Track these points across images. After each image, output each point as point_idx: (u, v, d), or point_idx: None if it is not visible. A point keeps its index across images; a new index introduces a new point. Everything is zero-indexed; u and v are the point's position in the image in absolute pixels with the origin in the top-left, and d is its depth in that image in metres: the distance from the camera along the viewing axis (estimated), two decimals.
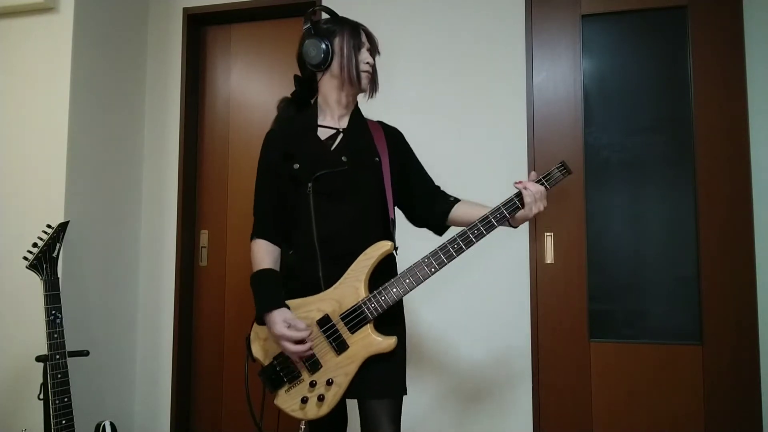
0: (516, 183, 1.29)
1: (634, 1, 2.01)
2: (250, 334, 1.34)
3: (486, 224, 1.27)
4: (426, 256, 1.26)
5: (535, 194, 1.26)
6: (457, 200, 1.43)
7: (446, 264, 1.26)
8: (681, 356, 1.91)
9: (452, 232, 1.33)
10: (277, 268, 1.34)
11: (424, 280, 1.26)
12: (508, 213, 1.28)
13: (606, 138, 2.04)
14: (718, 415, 1.87)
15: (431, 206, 1.44)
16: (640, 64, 2.02)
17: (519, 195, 1.29)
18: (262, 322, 1.27)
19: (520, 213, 1.28)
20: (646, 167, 2.00)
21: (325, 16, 1.43)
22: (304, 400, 1.25)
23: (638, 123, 2.02)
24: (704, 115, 1.94)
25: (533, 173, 1.32)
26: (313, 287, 1.29)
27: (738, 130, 1.91)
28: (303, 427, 1.30)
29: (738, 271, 1.88)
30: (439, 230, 1.47)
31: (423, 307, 2.08)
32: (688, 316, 1.93)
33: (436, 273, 1.26)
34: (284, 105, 1.46)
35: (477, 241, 1.27)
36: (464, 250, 1.26)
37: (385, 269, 1.31)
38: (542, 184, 1.29)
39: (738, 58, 1.92)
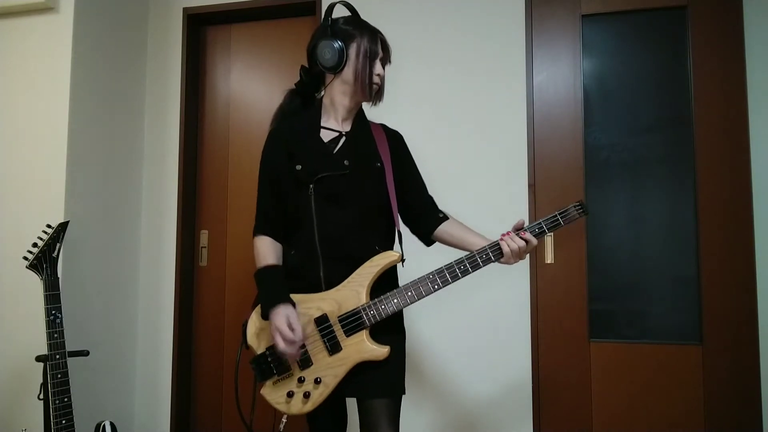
0: (502, 235, 1.28)
1: (634, 1, 2.01)
2: (247, 321, 1.34)
3: (495, 250, 1.28)
4: (431, 273, 1.27)
5: (513, 251, 1.26)
6: (444, 218, 1.43)
7: (450, 283, 1.27)
8: (681, 356, 1.91)
9: (459, 252, 1.34)
10: (281, 264, 1.35)
11: (426, 295, 1.27)
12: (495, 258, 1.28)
13: (606, 138, 2.04)
14: (718, 415, 1.87)
15: (419, 220, 1.45)
16: (640, 64, 2.02)
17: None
18: (267, 317, 1.28)
19: (503, 260, 1.29)
20: (646, 167, 2.00)
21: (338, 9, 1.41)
22: (290, 395, 1.26)
23: (638, 123, 2.02)
24: (704, 115, 1.94)
25: (521, 221, 1.29)
26: (315, 287, 1.30)
27: (738, 129, 1.91)
28: (284, 420, 1.31)
29: (738, 271, 1.88)
30: (425, 243, 1.48)
31: (421, 307, 2.08)
32: (688, 316, 1.94)
33: (439, 291, 1.28)
34: (289, 97, 1.46)
35: (484, 265, 1.28)
36: (470, 272, 1.27)
37: (386, 279, 1.32)
38: (540, 232, 1.27)
39: (738, 58, 1.92)
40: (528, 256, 2.01)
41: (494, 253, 1.27)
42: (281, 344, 1.21)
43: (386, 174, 1.36)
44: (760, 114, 1.92)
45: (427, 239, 1.46)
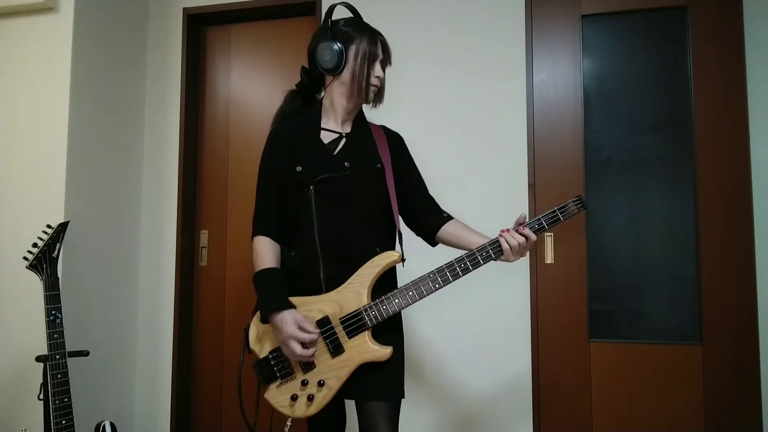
0: (502, 231, 1.28)
1: (634, 1, 2.01)
2: (249, 325, 1.34)
3: (495, 247, 1.28)
4: (432, 272, 1.27)
5: (512, 248, 1.26)
6: (448, 218, 1.43)
7: (451, 282, 1.27)
8: (681, 356, 1.91)
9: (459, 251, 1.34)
10: (279, 266, 1.34)
11: (427, 295, 1.27)
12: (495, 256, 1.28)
13: (606, 138, 2.04)
14: (718, 415, 1.87)
15: (421, 220, 1.45)
16: (640, 64, 2.02)
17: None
18: (266, 320, 1.28)
19: (503, 257, 1.29)
20: (646, 167, 2.00)
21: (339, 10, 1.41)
22: (294, 398, 1.26)
23: (638, 123, 2.02)
24: (704, 115, 1.94)
25: (523, 215, 1.29)
26: (315, 288, 1.30)
27: (738, 129, 1.91)
28: (289, 423, 1.31)
29: (738, 271, 1.88)
30: (430, 243, 1.48)
31: (422, 307, 2.08)
32: (688, 316, 1.94)
33: (440, 289, 1.27)
34: (290, 98, 1.46)
35: (484, 263, 1.28)
36: (470, 270, 1.27)
37: (386, 279, 1.32)
38: (540, 227, 1.27)
39: (738, 58, 1.92)
40: (528, 255, 2.01)
41: (494, 250, 1.27)
42: (299, 349, 1.21)
43: (386, 175, 1.36)
44: (760, 114, 1.92)
45: (431, 239, 1.46)
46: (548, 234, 2.03)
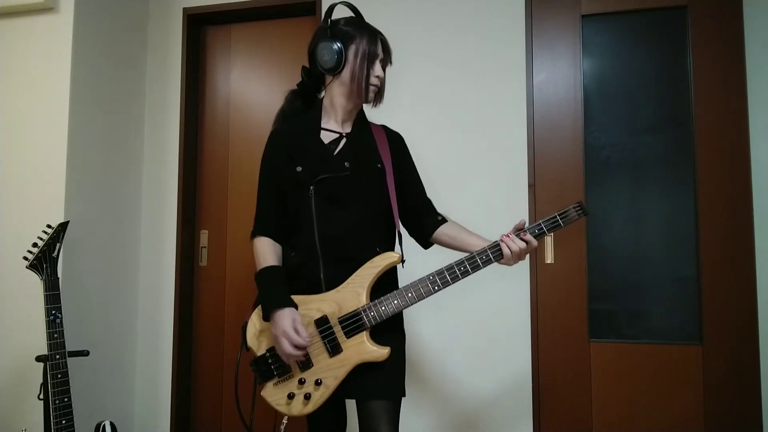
0: (503, 236, 1.28)
1: (634, 1, 2.01)
2: (247, 322, 1.34)
3: (495, 251, 1.28)
4: (431, 274, 1.27)
5: (513, 253, 1.26)
6: (443, 221, 1.43)
7: (450, 284, 1.27)
8: (681, 356, 1.91)
9: (459, 253, 1.34)
10: (281, 265, 1.34)
11: (426, 296, 1.27)
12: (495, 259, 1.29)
13: (606, 138, 2.04)
14: (718, 415, 1.87)
15: (418, 222, 1.45)
16: (640, 64, 2.02)
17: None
18: (268, 318, 1.28)
19: (503, 261, 1.29)
20: (646, 167, 2.00)
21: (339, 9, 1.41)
22: (291, 396, 1.26)
23: (638, 123, 2.02)
24: (704, 115, 1.94)
25: (522, 221, 1.29)
26: (315, 288, 1.30)
27: (738, 130, 1.91)
28: (285, 422, 1.32)
29: (738, 271, 1.88)
30: (423, 245, 1.48)
31: (421, 307, 2.08)
32: (688, 316, 1.93)
33: (439, 291, 1.28)
34: (290, 97, 1.46)
35: (484, 266, 1.28)
36: (470, 273, 1.27)
37: (386, 280, 1.32)
38: (540, 233, 1.27)
39: (738, 58, 1.92)
40: (528, 256, 2.01)
41: (494, 254, 1.27)
42: (288, 348, 1.21)
43: (387, 175, 1.36)
44: (760, 114, 1.92)
45: (425, 242, 1.46)
46: (548, 235, 2.02)
